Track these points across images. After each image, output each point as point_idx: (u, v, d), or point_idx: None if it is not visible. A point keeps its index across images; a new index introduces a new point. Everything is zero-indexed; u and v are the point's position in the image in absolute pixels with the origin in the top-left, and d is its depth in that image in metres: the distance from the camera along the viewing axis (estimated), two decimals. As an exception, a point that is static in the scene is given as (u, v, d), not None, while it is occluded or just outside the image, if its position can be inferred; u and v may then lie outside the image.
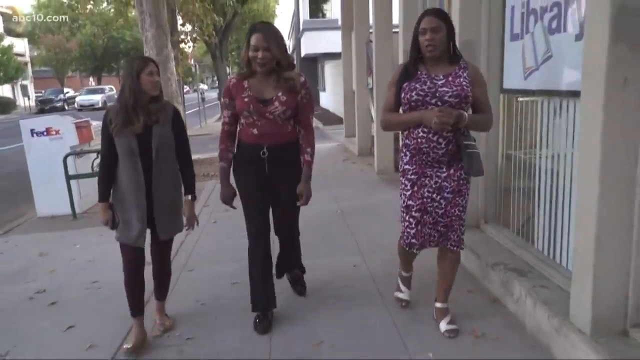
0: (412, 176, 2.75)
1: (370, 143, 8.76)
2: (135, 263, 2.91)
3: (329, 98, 22.36)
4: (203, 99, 20.00)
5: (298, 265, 3.53)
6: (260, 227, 3.03)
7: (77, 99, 34.40)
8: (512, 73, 3.45)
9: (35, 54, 45.10)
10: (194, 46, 19.10)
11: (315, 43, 22.66)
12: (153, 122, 2.80)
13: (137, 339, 2.91)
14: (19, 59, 39.05)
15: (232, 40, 26.49)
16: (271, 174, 2.95)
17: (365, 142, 9.16)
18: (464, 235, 2.85)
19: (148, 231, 2.90)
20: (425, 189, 2.72)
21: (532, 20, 3.13)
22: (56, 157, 6.13)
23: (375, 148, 7.65)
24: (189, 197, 3.02)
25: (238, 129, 3.02)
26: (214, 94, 37.04)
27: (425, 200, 2.72)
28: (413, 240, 2.78)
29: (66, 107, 34.23)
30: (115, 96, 29.12)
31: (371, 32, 7.93)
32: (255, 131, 2.89)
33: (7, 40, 37.25)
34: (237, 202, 3.07)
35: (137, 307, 2.95)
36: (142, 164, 2.79)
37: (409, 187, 2.76)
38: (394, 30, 7.26)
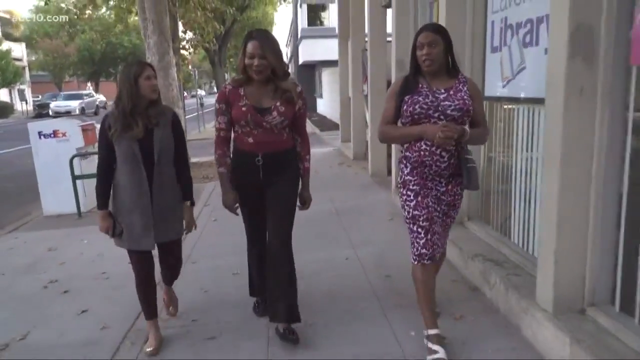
0: (415, 187, 2.73)
1: (364, 148, 9.07)
2: (146, 267, 2.95)
3: (326, 104, 22.69)
4: (202, 104, 20.30)
5: (294, 313, 2.96)
6: (255, 233, 3.12)
7: (51, 105, 31.88)
8: (492, 82, 3.77)
9: (33, 58, 45.38)
10: (194, 52, 19.37)
11: (313, 50, 23.01)
12: (153, 126, 2.79)
13: (157, 340, 2.97)
14: (17, 63, 39.26)
15: (231, 46, 26.84)
16: (266, 180, 2.93)
17: (360, 146, 9.50)
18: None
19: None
20: (429, 199, 2.72)
21: (509, 35, 3.45)
22: (62, 159, 6.41)
23: (369, 153, 7.98)
24: (188, 203, 3.04)
25: (233, 135, 3.00)
26: (211, 100, 37.33)
27: (430, 209, 2.71)
28: (423, 251, 2.69)
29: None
30: (96, 102, 28.77)
31: (366, 41, 8.26)
32: (250, 140, 2.87)
33: (5, 45, 37.47)
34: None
35: (151, 311, 3.00)
36: (144, 168, 2.78)
37: (412, 198, 2.73)
38: (387, 39, 7.59)
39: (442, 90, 2.65)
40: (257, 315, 3.26)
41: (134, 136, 2.73)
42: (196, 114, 20.25)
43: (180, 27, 12.02)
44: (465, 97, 2.63)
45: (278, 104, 2.83)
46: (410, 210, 2.73)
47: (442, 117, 2.60)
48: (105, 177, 2.83)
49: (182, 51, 13.34)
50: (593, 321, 2.57)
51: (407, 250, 3.30)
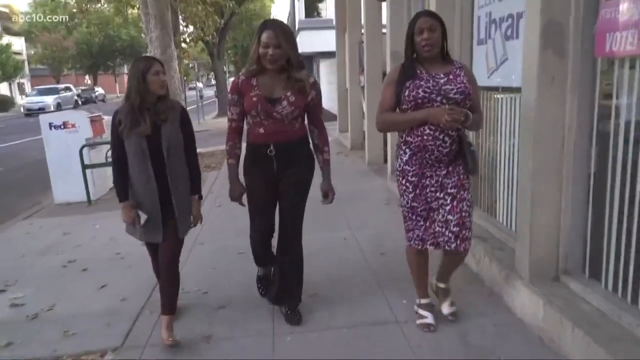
0: (413, 178, 2.76)
1: (362, 137, 9.38)
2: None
3: (324, 95, 22.66)
4: (201, 97, 20.54)
5: (298, 295, 3.20)
6: (261, 222, 3.04)
7: (23, 102, 29.86)
8: (479, 72, 4.00)
9: (32, 52, 45.46)
10: (195, 45, 19.57)
11: (310, 42, 23.11)
12: (161, 122, 2.80)
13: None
14: (16, 57, 39.35)
15: (229, 39, 27.02)
16: (279, 172, 2.93)
17: (357, 136, 9.80)
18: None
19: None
20: (428, 189, 2.75)
21: (493, 28, 3.73)
22: (72, 149, 6.70)
23: (366, 142, 8.28)
24: (196, 196, 3.05)
25: (246, 127, 2.99)
26: (209, 92, 37.52)
27: (429, 199, 2.75)
28: (424, 236, 2.80)
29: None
30: (74, 98, 26.91)
31: (363, 34, 8.52)
32: (262, 130, 2.86)
33: (5, 39, 37.54)
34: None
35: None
36: (153, 164, 2.80)
37: (410, 190, 2.77)
38: (383, 31, 7.85)
39: (442, 75, 2.66)
40: (262, 296, 3.42)
41: (142, 132, 2.75)
42: (195, 106, 20.50)
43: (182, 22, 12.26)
44: (464, 81, 2.66)
45: (289, 94, 2.82)
46: (409, 201, 2.79)
47: (444, 101, 2.61)
48: (120, 171, 2.88)
49: (182, 44, 13.57)
50: (565, 286, 2.88)
51: (401, 231, 3.52)
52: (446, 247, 2.78)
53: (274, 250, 3.24)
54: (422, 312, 3.01)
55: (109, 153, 6.87)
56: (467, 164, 2.71)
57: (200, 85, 31.25)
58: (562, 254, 2.94)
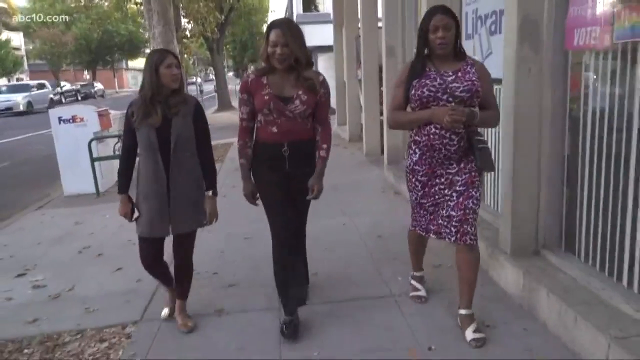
0: (423, 177, 2.78)
1: (359, 130, 9.65)
2: (151, 255, 2.99)
3: (322, 89, 23.00)
4: (201, 91, 20.77)
5: (305, 278, 3.35)
6: (284, 229, 2.93)
7: None
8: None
9: (31, 47, 45.55)
10: (196, 41, 19.76)
11: (308, 36, 23.15)
12: (173, 115, 2.80)
13: (172, 304, 3.21)
14: (15, 52, 39.48)
15: (228, 34, 27.21)
16: (291, 171, 2.91)
17: (355, 129, 10.08)
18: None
19: None
20: (436, 187, 2.77)
21: (479, 24, 4.00)
22: (81, 142, 6.96)
23: (364, 134, 8.56)
24: (210, 192, 3.00)
25: (256, 126, 2.96)
26: (209, 87, 37.71)
27: (437, 196, 2.79)
28: (430, 226, 2.86)
29: (63, 100, 32.38)
30: (49, 96, 25.55)
31: (360, 28, 8.76)
32: (275, 129, 2.84)
33: (4, 34, 37.64)
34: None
35: (167, 283, 3.22)
36: (162, 156, 2.81)
37: (419, 188, 2.81)
38: (379, 25, 8.09)
39: (450, 73, 2.63)
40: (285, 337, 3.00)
41: (152, 124, 2.77)
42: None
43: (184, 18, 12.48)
44: (473, 78, 2.61)
45: (300, 92, 2.81)
46: (418, 197, 2.84)
47: (450, 99, 2.58)
48: (126, 162, 2.92)
49: (184, 40, 13.80)
50: (544, 259, 3.18)
51: (397, 217, 3.84)
52: (447, 239, 2.79)
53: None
54: (415, 283, 3.32)
55: (117, 146, 7.23)
56: (477, 160, 2.68)
57: (198, 80, 31.41)
58: (541, 230, 3.22)
